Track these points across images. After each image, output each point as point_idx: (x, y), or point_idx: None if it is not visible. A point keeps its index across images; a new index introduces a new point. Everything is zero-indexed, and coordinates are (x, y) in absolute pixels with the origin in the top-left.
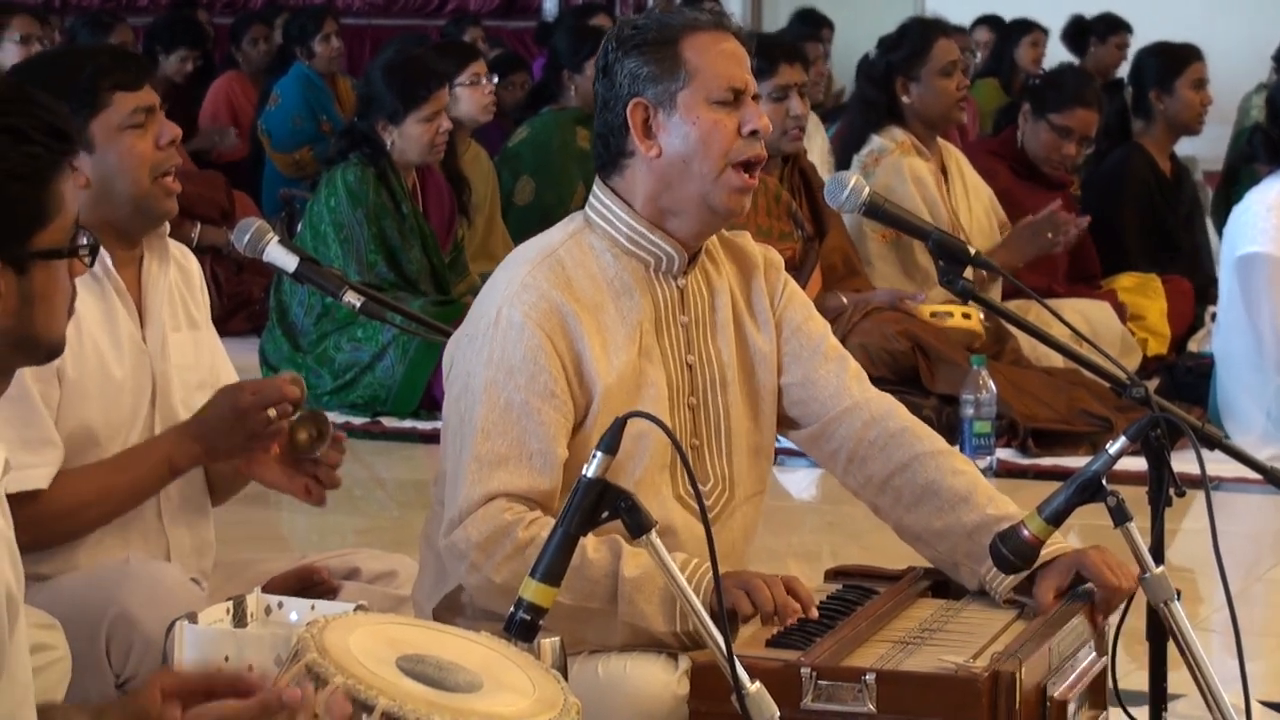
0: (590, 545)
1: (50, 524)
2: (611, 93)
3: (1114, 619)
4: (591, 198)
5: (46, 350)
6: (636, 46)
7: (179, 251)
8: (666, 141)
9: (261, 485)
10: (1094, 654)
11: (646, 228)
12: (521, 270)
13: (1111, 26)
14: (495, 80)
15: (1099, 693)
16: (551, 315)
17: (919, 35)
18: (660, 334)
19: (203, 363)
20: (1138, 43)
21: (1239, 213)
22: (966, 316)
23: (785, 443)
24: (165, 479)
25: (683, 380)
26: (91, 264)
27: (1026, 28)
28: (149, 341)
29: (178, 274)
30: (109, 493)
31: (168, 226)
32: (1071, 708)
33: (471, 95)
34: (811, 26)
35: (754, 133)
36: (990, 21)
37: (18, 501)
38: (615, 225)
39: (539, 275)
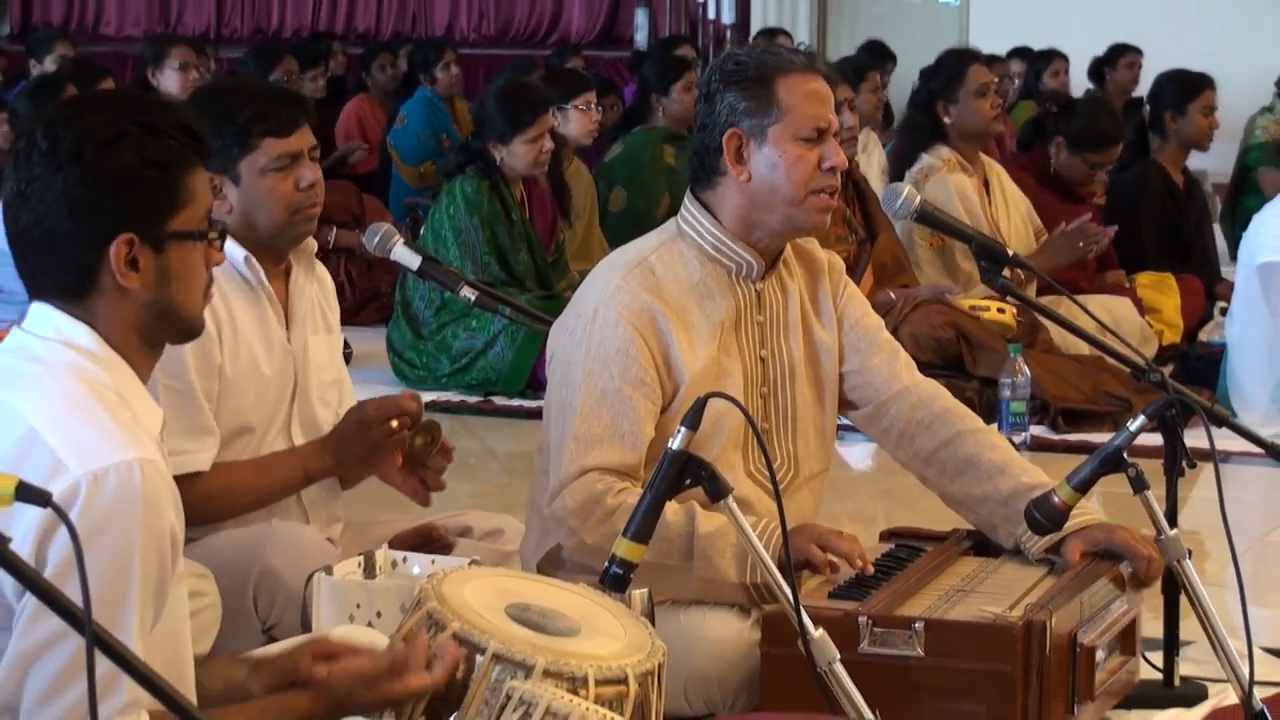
0: (669, 510)
1: (206, 504)
2: (711, 118)
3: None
4: (683, 208)
5: (186, 326)
6: (737, 82)
7: (319, 267)
8: (756, 169)
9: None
10: (1125, 605)
11: (730, 239)
12: (617, 274)
13: (1121, 52)
14: (599, 109)
15: (1130, 639)
16: (642, 314)
17: (955, 63)
18: (738, 331)
19: (335, 362)
20: (1154, 67)
21: (1260, 223)
22: (1001, 310)
23: (845, 420)
24: (301, 484)
25: (756, 372)
26: (222, 251)
27: (1051, 57)
28: (293, 343)
29: (318, 285)
30: (254, 489)
31: (313, 243)
32: (1100, 654)
33: (580, 119)
34: (876, 57)
35: (833, 168)
36: (1021, 53)
37: (181, 481)
38: (703, 235)
39: (632, 280)
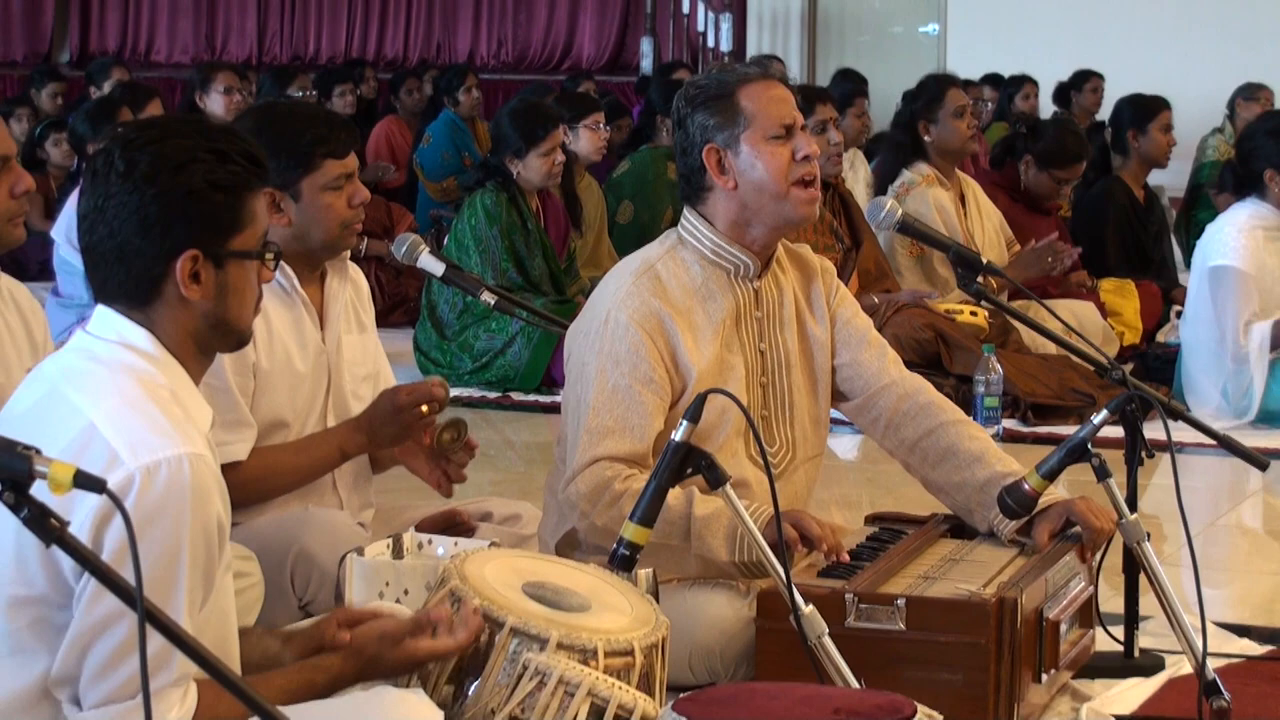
0: (671, 495)
1: (247, 489)
2: (687, 141)
3: (1097, 556)
4: (682, 220)
5: (237, 336)
6: (702, 103)
7: (352, 269)
8: (739, 175)
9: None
10: (1084, 583)
11: (727, 242)
12: (627, 280)
13: (1085, 77)
14: (608, 128)
15: (1087, 614)
16: (651, 317)
17: (934, 86)
18: (739, 327)
19: (368, 359)
20: (1115, 90)
21: (1213, 230)
22: (974, 314)
23: (833, 414)
24: (336, 462)
25: (756, 363)
26: (275, 268)
27: (1021, 82)
28: (327, 342)
29: (352, 288)
30: (293, 470)
31: (347, 250)
32: (1063, 627)
33: (590, 138)
34: (861, 82)
35: (806, 157)
36: (994, 79)
37: (222, 470)
38: (701, 242)
39: (640, 285)
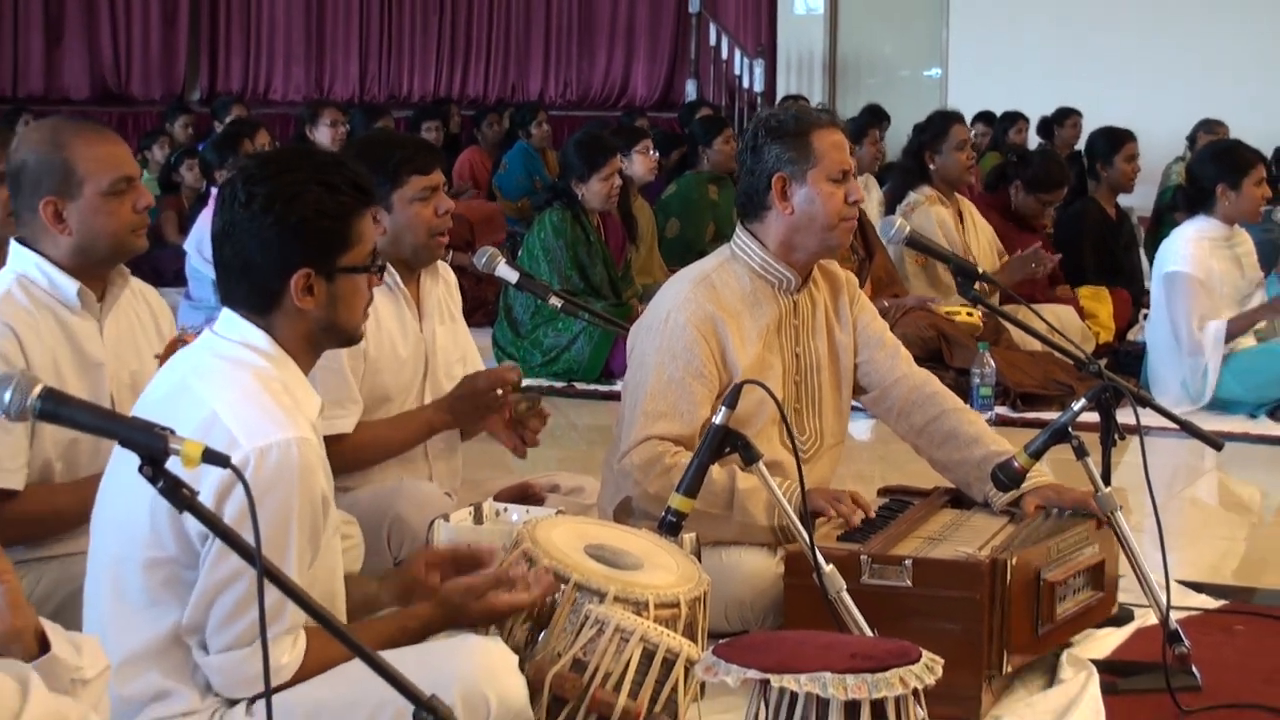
0: (714, 470)
1: (351, 458)
2: (758, 165)
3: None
4: (735, 236)
5: (345, 338)
6: (780, 136)
7: (444, 269)
8: (797, 204)
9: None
10: (1095, 550)
11: (774, 259)
12: (685, 287)
13: (1066, 114)
14: (657, 153)
15: (1099, 576)
16: (705, 321)
17: (941, 122)
18: (779, 333)
19: (459, 346)
20: (1090, 123)
21: (1167, 242)
22: (970, 315)
23: (855, 404)
24: (426, 436)
25: (791, 364)
26: (381, 278)
27: (1013, 118)
28: (424, 332)
29: (443, 285)
30: (390, 442)
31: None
32: (1065, 589)
33: (642, 161)
34: (874, 118)
35: (855, 201)
36: (987, 115)
37: (330, 441)
38: (752, 257)
39: (697, 291)
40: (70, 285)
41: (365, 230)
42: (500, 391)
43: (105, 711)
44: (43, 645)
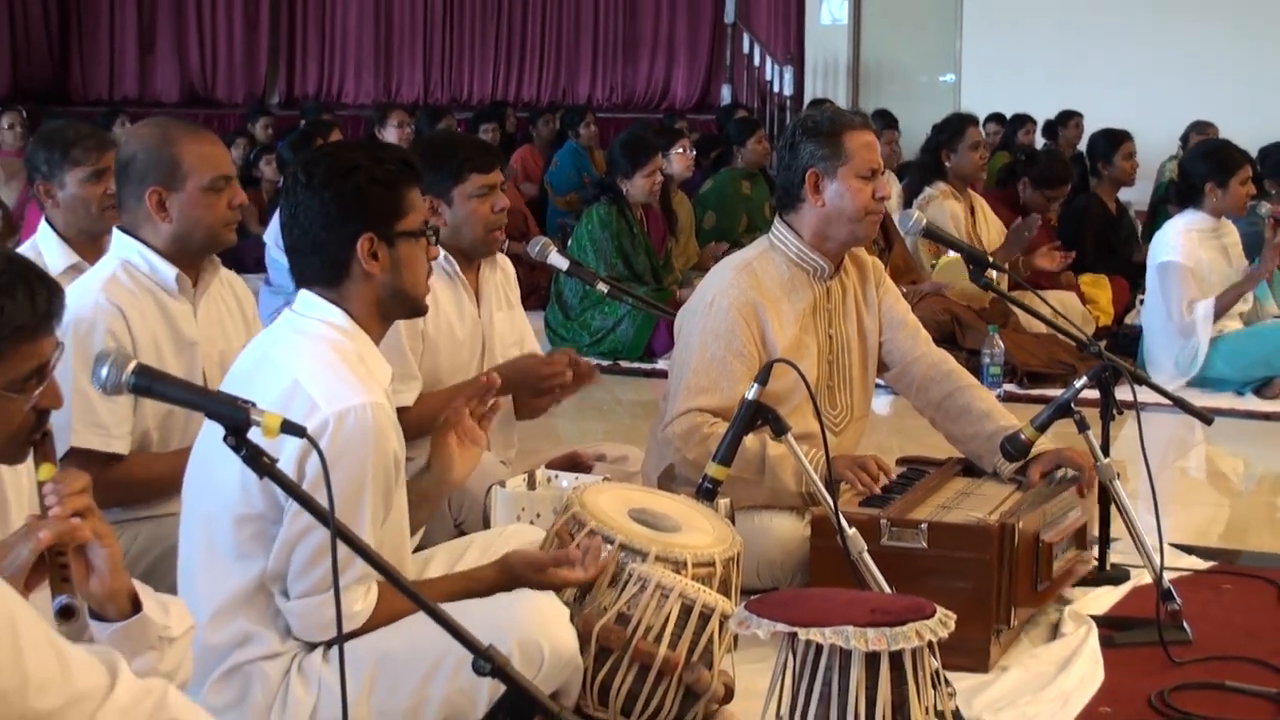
0: (748, 440)
1: (413, 429)
2: (794, 161)
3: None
4: (773, 228)
5: (412, 304)
6: (815, 135)
7: (502, 259)
8: (829, 198)
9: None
10: (1079, 513)
11: (809, 249)
12: (729, 274)
13: (1069, 116)
14: (694, 152)
15: (1083, 537)
16: (746, 305)
17: (957, 123)
18: (814, 317)
19: (515, 330)
20: (1090, 124)
21: (1160, 234)
22: (951, 257)
23: (879, 381)
24: None
25: (825, 345)
26: (435, 244)
27: (1022, 120)
28: (482, 316)
29: (501, 274)
30: None
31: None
32: (1057, 549)
33: (680, 160)
34: (892, 120)
35: (881, 198)
36: (997, 117)
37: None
38: (788, 247)
39: (740, 278)
40: (169, 271)
41: (416, 201)
42: (548, 373)
43: (187, 669)
44: (135, 605)
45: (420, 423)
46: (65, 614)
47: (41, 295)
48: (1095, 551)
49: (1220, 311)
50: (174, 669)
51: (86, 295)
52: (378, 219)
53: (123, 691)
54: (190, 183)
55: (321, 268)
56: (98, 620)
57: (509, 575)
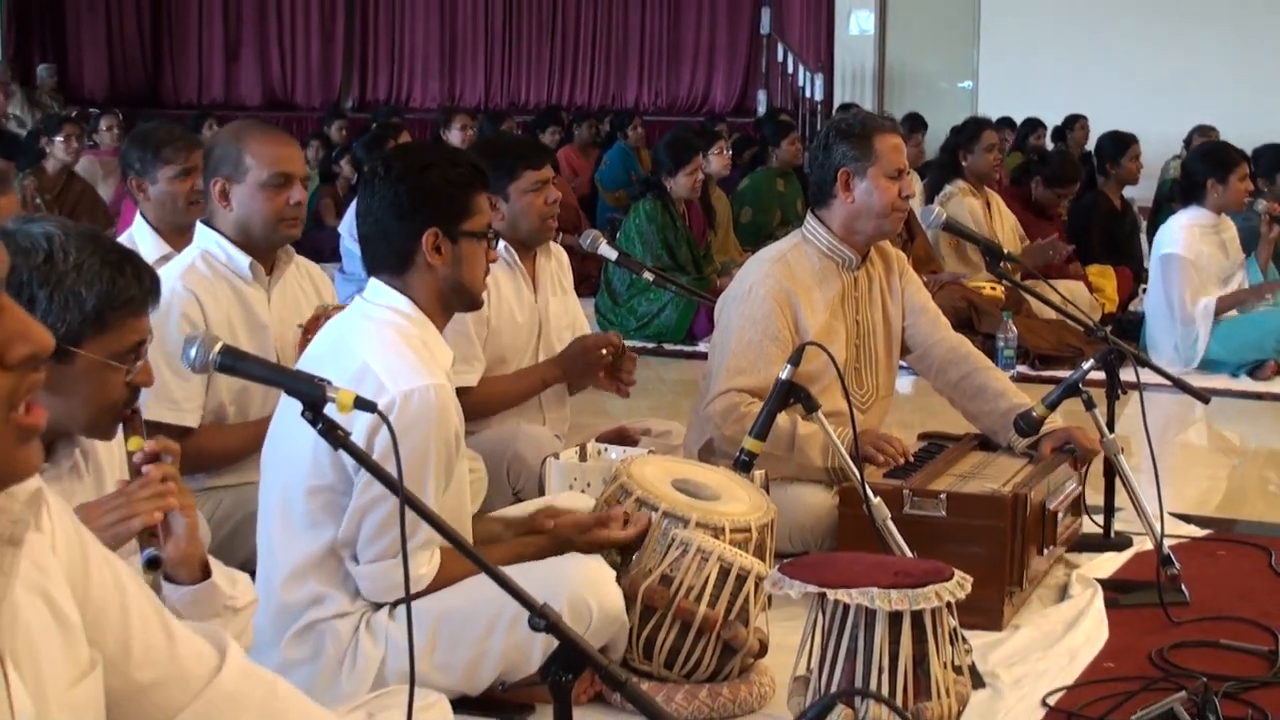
0: (780, 418)
1: (476, 407)
2: (827, 159)
3: (1085, 467)
4: (806, 222)
5: (470, 299)
6: (847, 137)
7: (556, 249)
8: (858, 195)
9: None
10: (1075, 485)
11: (839, 241)
12: (765, 265)
13: (1076, 119)
14: (730, 152)
15: (1077, 506)
16: (781, 293)
17: (974, 126)
18: (843, 304)
19: (569, 314)
20: (1097, 127)
21: (1164, 228)
22: (993, 289)
23: (901, 363)
24: (540, 389)
25: (853, 330)
26: (496, 247)
27: (1034, 124)
28: (538, 301)
29: (556, 262)
30: (509, 394)
31: (549, 240)
32: (1060, 516)
33: (718, 159)
34: (916, 123)
35: (907, 196)
36: (1010, 121)
37: (458, 393)
38: (820, 240)
39: (775, 269)
40: (244, 259)
41: (482, 205)
42: (605, 351)
43: (248, 640)
44: (205, 572)
45: (483, 402)
46: (152, 564)
47: (146, 275)
48: (1100, 520)
49: (1220, 311)
50: (236, 639)
51: (166, 282)
52: (444, 216)
53: (230, 676)
54: (250, 176)
55: (389, 255)
56: (169, 583)
57: (559, 541)
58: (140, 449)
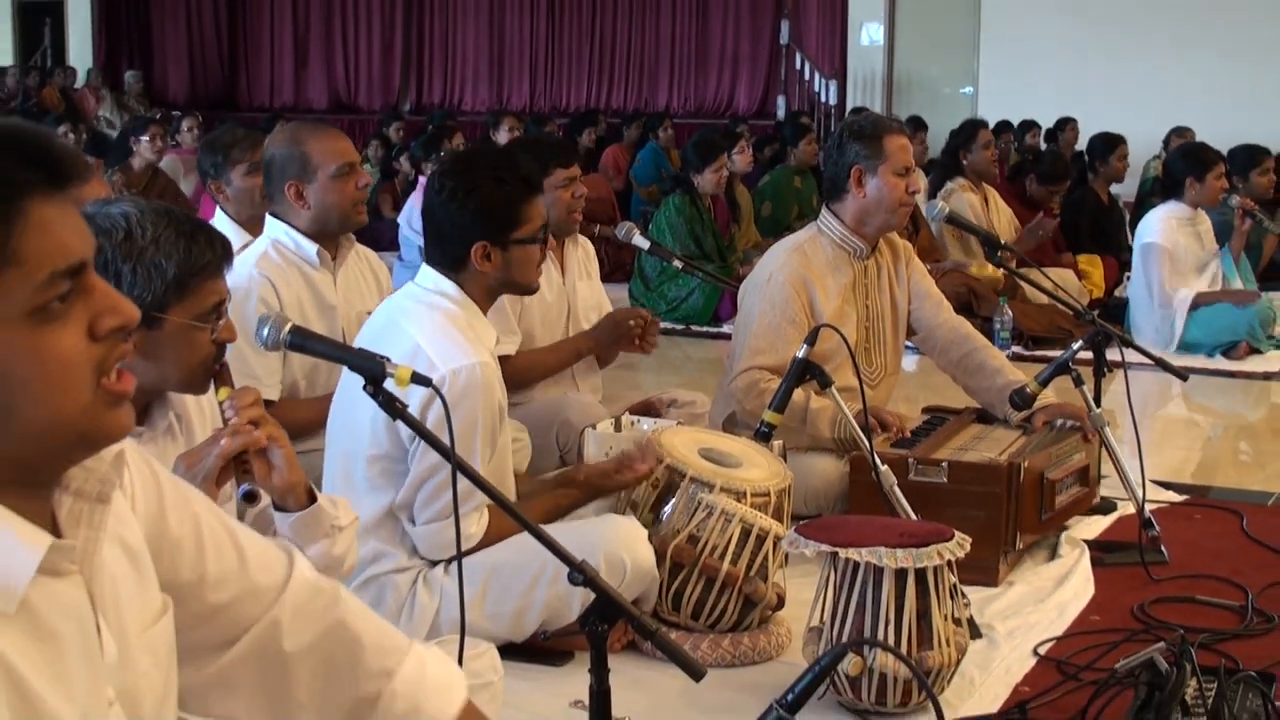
0: (796, 394)
1: (516, 375)
2: (841, 157)
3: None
4: (820, 216)
5: (522, 290)
6: (859, 137)
7: (582, 240)
8: (869, 191)
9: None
10: (1083, 456)
11: (850, 233)
12: (784, 255)
13: (1066, 122)
14: (752, 151)
15: (1086, 476)
16: (799, 280)
17: (971, 128)
18: (854, 290)
19: (594, 296)
20: (1086, 129)
21: (1144, 221)
22: (982, 269)
23: (908, 344)
24: (573, 361)
25: (863, 314)
26: (547, 246)
27: (1029, 126)
28: (566, 284)
29: (581, 251)
30: (545, 364)
31: (576, 228)
32: (1061, 485)
33: (741, 158)
34: (918, 125)
35: (914, 192)
36: (1008, 124)
37: (499, 361)
38: (833, 231)
39: (793, 258)
40: (311, 247)
41: (534, 210)
42: (633, 322)
43: (354, 556)
44: (310, 498)
45: (520, 372)
46: (249, 498)
47: (218, 240)
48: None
49: (1198, 304)
50: (344, 554)
51: (242, 269)
52: (493, 231)
53: (296, 589)
54: (321, 172)
55: (444, 256)
56: (280, 512)
57: (587, 489)
58: (229, 397)
